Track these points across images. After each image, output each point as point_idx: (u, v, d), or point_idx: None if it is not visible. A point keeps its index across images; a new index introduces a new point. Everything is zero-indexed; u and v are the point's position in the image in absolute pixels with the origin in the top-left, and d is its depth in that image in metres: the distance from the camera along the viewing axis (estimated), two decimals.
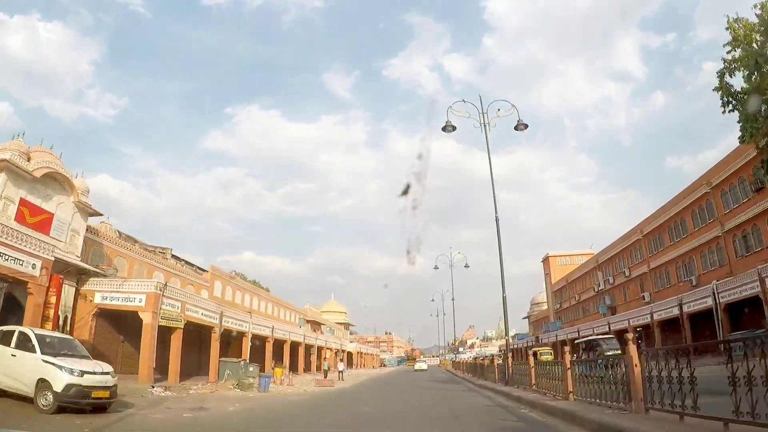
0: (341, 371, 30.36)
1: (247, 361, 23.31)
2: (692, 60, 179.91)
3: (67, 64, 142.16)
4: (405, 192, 4.23)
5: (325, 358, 31.89)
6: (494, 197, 17.67)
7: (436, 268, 39.79)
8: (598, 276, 52.22)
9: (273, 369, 30.86)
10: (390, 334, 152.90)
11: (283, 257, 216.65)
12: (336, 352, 53.45)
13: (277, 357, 35.01)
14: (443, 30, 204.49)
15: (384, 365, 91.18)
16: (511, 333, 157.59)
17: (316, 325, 59.44)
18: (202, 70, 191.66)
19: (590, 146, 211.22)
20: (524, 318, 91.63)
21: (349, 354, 62.42)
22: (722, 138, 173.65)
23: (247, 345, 27.43)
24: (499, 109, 19.57)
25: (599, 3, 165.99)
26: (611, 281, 48.71)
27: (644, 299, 41.56)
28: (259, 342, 31.31)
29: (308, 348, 41.30)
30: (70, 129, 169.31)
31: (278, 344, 34.55)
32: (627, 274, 45.24)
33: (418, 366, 63.49)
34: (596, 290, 51.85)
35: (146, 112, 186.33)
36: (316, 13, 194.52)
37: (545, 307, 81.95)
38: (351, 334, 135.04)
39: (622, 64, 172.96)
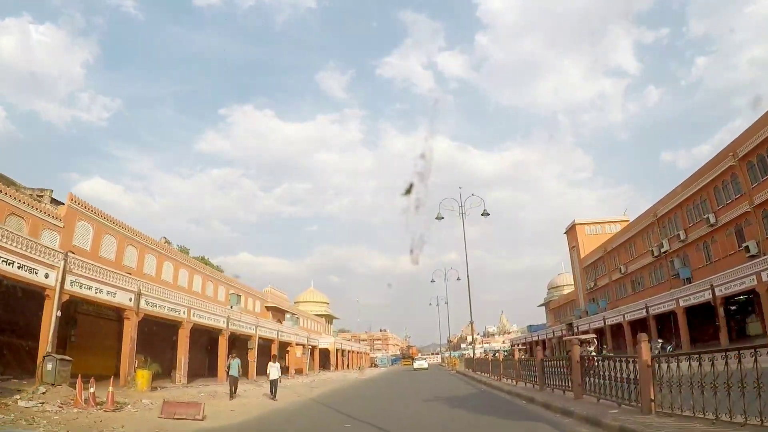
0: (274, 380, 15.70)
1: None
2: (685, 54, 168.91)
3: (59, 67, 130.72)
4: (408, 191, 4.33)
5: (232, 355, 16.80)
6: None
7: (440, 218, 25.61)
8: (658, 234, 38.03)
9: (135, 371, 16.38)
10: (385, 331, 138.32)
11: (280, 258, 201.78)
12: (303, 348, 38.93)
13: (168, 350, 20.66)
14: (437, 27, 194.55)
15: (375, 365, 76.57)
16: (514, 327, 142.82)
17: (279, 313, 44.98)
18: (195, 72, 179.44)
19: (586, 142, 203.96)
20: (540, 306, 77.47)
21: (324, 351, 48.04)
22: (716, 132, 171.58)
23: (48, 318, 13.02)
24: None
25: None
26: (682, 237, 34.45)
27: (747, 251, 27.50)
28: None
29: (242, 340, 26.87)
30: (63, 133, 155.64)
31: (162, 328, 20.15)
32: (711, 221, 30.99)
33: (417, 365, 51.68)
34: (657, 254, 37.65)
35: (140, 114, 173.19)
36: (309, 13, 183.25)
37: (569, 290, 67.79)
38: (342, 332, 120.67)
39: (617, 60, 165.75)
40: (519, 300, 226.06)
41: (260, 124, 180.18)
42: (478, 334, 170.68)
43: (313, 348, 42.00)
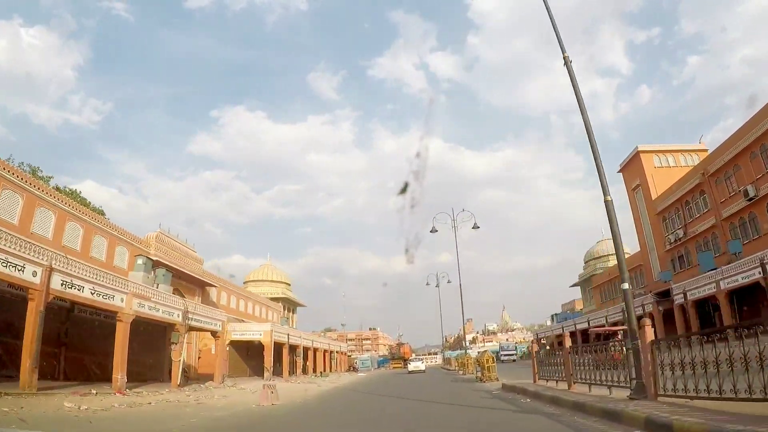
0: None
1: None
2: (677, 54, 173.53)
3: (50, 69, 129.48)
4: (403, 190, 4.51)
5: None
6: None
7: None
8: None
9: None
10: (375, 329, 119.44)
11: (272, 260, 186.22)
12: (176, 329, 20.08)
13: None
14: (429, 28, 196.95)
15: (355, 369, 57.61)
16: (517, 324, 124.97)
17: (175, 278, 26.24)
18: (186, 74, 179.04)
19: (578, 142, 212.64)
20: (573, 286, 59.21)
21: (254, 346, 29.50)
22: (708, 130, 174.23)
23: None
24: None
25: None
26: None
27: None
28: None
29: None
30: (54, 136, 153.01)
31: None
32: None
33: (413, 366, 39.91)
34: None
35: (131, 117, 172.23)
36: (300, 15, 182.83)
37: (614, 261, 49.51)
38: (329, 331, 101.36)
39: (609, 60, 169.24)
40: (512, 300, 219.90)
41: (252, 125, 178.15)
42: (478, 332, 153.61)
43: (215, 336, 23.27)
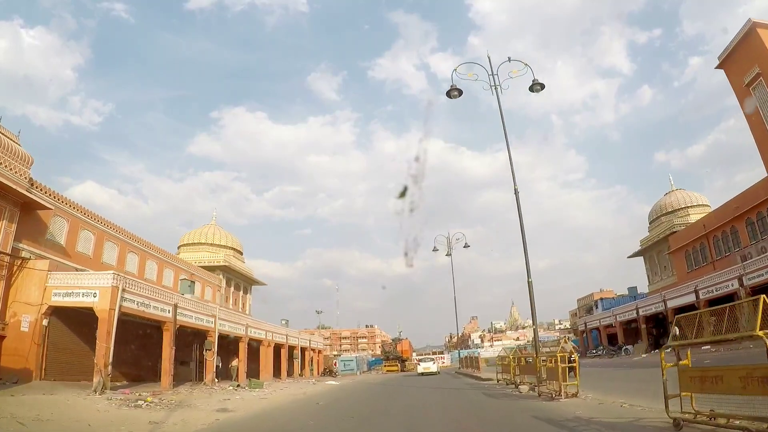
0: None
1: None
2: (678, 55, 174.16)
3: (50, 70, 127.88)
4: (402, 194, 4.27)
5: None
6: None
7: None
8: None
9: None
10: (372, 327, 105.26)
11: (272, 261, 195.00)
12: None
13: None
14: (429, 28, 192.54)
15: (333, 373, 43.25)
16: (528, 322, 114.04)
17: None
18: (187, 75, 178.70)
19: (579, 143, 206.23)
20: (632, 256, 45.06)
21: (142, 325, 15.86)
22: (709, 132, 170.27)
23: None
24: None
25: (585, 1, 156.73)
26: None
27: None
28: None
29: None
30: (55, 137, 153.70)
31: None
32: None
33: (423, 368, 32.45)
34: None
35: (131, 118, 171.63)
36: (300, 16, 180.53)
37: (698, 214, 35.03)
38: (323, 329, 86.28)
39: (609, 61, 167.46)
40: (514, 300, 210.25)
41: (252, 126, 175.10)
42: (484, 330, 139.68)
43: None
